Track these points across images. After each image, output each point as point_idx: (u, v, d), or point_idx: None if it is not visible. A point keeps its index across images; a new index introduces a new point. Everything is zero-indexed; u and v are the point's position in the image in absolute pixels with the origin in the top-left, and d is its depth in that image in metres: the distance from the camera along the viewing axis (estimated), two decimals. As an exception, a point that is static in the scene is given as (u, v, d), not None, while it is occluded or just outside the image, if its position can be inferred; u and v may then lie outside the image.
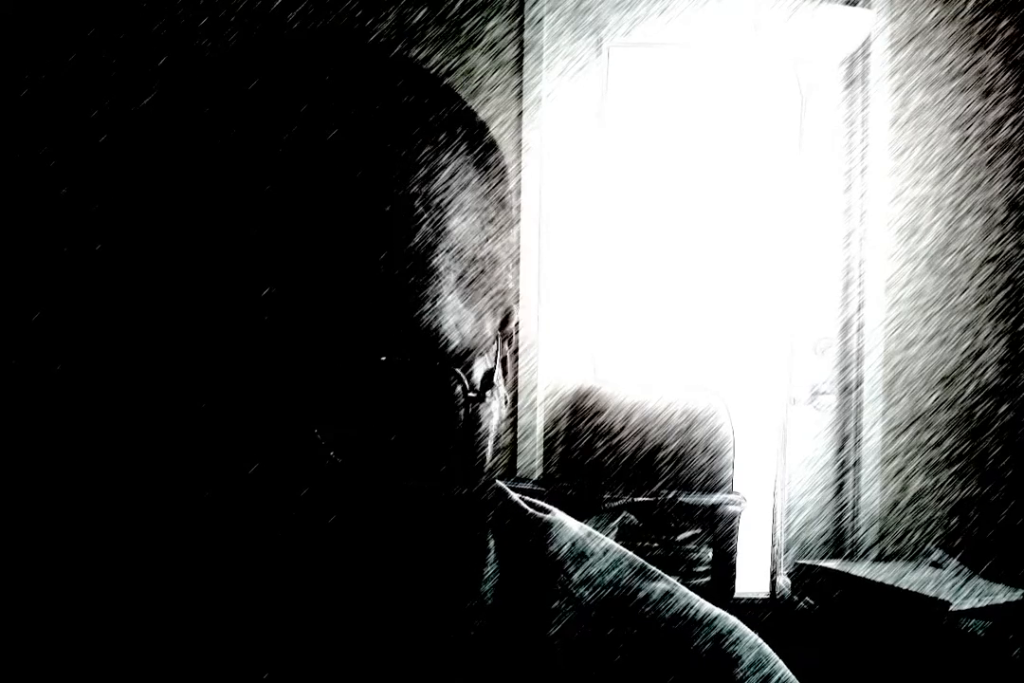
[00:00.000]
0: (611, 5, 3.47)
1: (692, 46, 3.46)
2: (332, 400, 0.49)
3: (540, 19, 3.42)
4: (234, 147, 0.50)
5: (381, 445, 0.50)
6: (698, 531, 3.02)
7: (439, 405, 0.51)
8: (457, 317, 0.52)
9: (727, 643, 0.62)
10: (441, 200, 0.52)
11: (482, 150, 0.57)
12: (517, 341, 0.60)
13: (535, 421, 3.45)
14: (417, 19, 3.41)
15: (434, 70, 3.42)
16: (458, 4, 3.42)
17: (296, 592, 0.51)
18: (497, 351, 0.57)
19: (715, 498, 3.06)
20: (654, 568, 0.66)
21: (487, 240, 0.56)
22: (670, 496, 3.05)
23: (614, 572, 0.65)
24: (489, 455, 0.56)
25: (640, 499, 3.06)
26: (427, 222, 0.51)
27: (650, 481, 3.17)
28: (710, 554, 2.99)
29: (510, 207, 0.59)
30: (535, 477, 3.42)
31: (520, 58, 3.43)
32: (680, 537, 3.01)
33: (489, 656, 0.59)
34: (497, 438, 0.58)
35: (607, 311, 3.50)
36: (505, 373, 0.60)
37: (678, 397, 3.27)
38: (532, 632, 0.60)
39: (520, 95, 3.43)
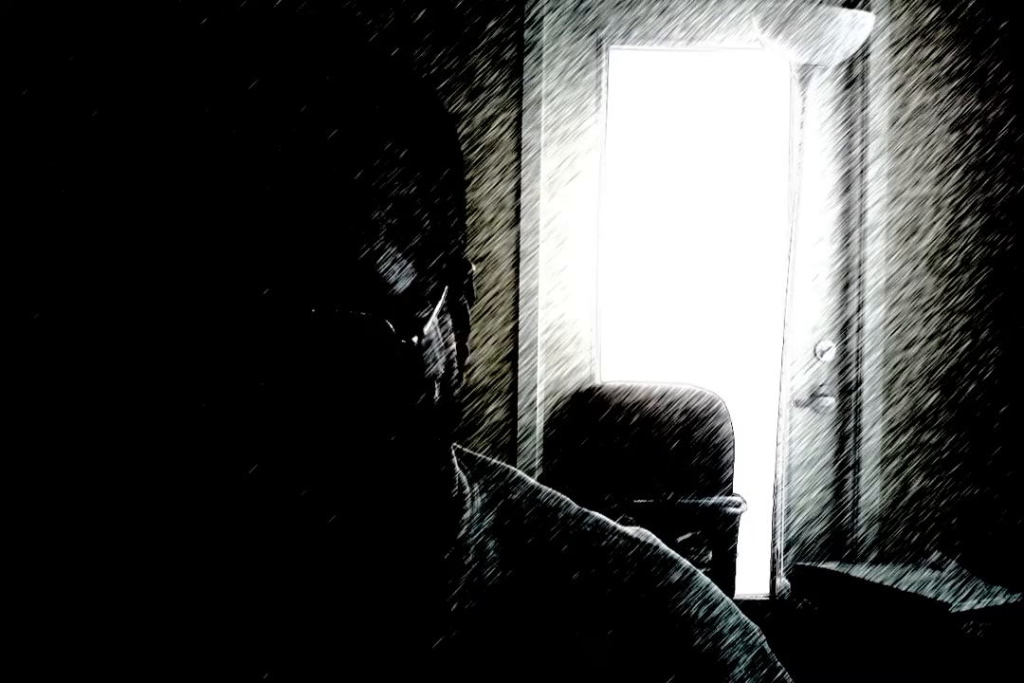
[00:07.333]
0: (611, 5, 3.47)
1: (692, 46, 3.47)
2: (266, 356, 0.49)
3: (540, 19, 3.42)
4: (163, 110, 0.51)
5: (317, 398, 0.50)
6: (698, 532, 3.02)
7: (365, 352, 0.51)
8: (385, 269, 0.52)
9: (726, 644, 0.62)
10: (368, 154, 0.53)
11: (416, 99, 0.58)
12: (467, 310, 0.59)
13: (535, 421, 3.45)
14: (417, 19, 3.40)
15: (434, 70, 3.42)
16: (458, 4, 3.41)
17: (287, 587, 0.51)
18: (443, 302, 0.57)
19: (715, 500, 3.07)
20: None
21: (421, 194, 0.55)
22: (670, 497, 3.05)
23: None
24: (435, 400, 0.55)
25: (640, 501, 3.06)
26: (344, 178, 0.51)
27: (650, 482, 3.17)
28: (710, 555, 2.99)
29: (456, 161, 0.59)
30: (535, 477, 3.42)
31: (520, 58, 3.43)
32: (680, 539, 3.01)
33: (479, 648, 0.59)
34: (449, 387, 0.57)
35: (607, 311, 3.50)
36: (461, 326, 0.60)
37: (679, 397, 3.27)
38: (535, 629, 0.60)
39: (520, 95, 3.43)
